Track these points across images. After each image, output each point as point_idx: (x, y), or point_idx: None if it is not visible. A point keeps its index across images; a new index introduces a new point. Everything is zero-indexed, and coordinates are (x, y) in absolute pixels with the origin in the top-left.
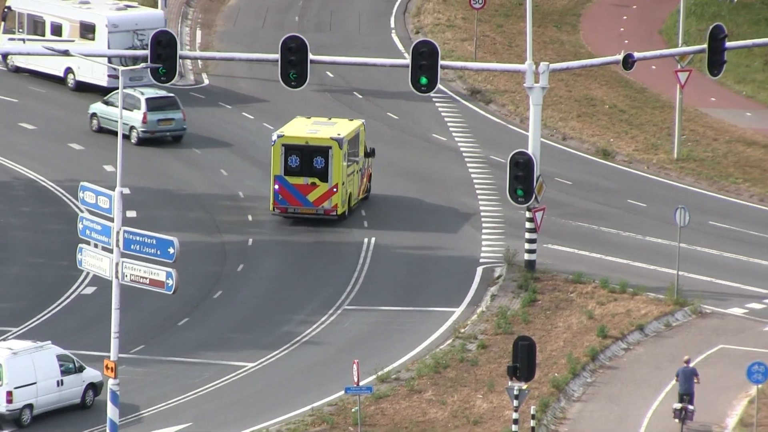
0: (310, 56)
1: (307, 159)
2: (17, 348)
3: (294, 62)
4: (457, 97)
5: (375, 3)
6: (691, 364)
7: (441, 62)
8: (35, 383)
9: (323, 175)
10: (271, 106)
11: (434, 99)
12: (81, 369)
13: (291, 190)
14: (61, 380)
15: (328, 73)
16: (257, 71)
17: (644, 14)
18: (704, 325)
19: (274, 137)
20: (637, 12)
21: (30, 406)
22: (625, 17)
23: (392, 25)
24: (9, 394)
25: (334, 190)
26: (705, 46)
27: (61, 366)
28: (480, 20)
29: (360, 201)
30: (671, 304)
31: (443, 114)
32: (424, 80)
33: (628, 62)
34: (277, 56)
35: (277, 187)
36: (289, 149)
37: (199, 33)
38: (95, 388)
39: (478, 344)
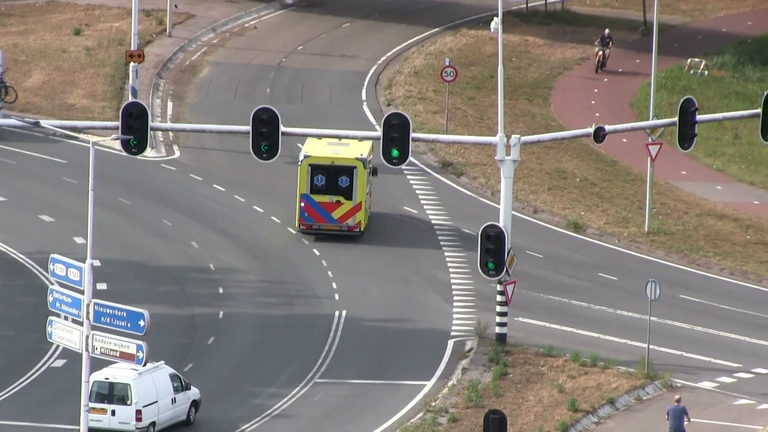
0: (282, 128)
1: (333, 178)
2: (140, 369)
3: (265, 134)
4: (429, 170)
5: (346, 75)
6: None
7: (412, 135)
8: (156, 402)
9: (348, 194)
10: (243, 177)
11: (406, 171)
12: (188, 387)
13: (316, 207)
14: (174, 398)
15: (299, 144)
16: (228, 143)
17: (615, 87)
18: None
19: (301, 157)
20: (609, 85)
21: (153, 424)
22: (596, 90)
23: (364, 97)
24: (138, 412)
25: (358, 208)
26: (676, 119)
27: (173, 384)
28: (451, 93)
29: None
30: (642, 377)
31: (415, 186)
32: (395, 152)
33: (599, 135)
34: (249, 128)
35: (303, 204)
36: (316, 169)
37: (170, 104)
38: (196, 404)
39: (449, 418)
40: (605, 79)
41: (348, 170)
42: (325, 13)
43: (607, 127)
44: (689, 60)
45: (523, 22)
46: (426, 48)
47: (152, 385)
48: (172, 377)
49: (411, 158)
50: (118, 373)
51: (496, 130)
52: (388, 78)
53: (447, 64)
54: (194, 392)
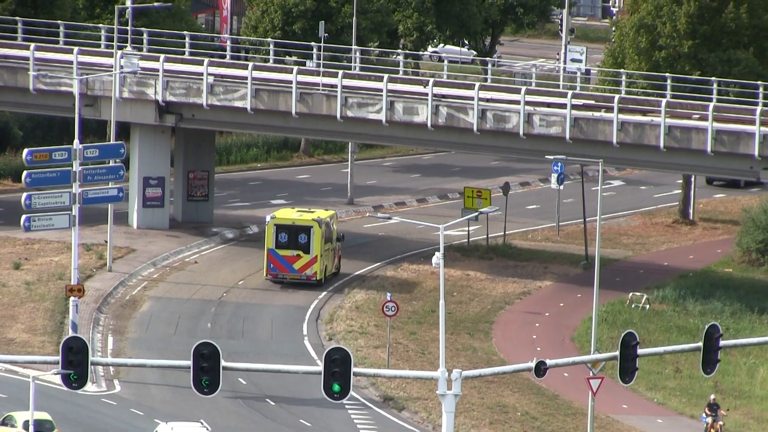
0: (223, 363)
1: (294, 235)
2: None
3: (206, 369)
4: (370, 404)
5: (287, 310)
6: None
7: (354, 369)
8: None
9: (306, 248)
10: (184, 412)
11: (347, 406)
12: None
13: (280, 260)
14: None
15: (240, 379)
16: (169, 377)
17: (557, 321)
18: None
19: (268, 219)
20: (550, 319)
21: None
22: (537, 324)
23: (305, 331)
24: None
25: (315, 260)
26: (617, 353)
27: None
28: (393, 327)
29: (333, 274)
30: None
31: (356, 421)
32: (336, 387)
33: (540, 369)
34: (190, 363)
35: (269, 258)
36: (280, 228)
37: (110, 339)
38: None
39: None
40: (546, 313)
41: (306, 229)
42: None
43: (549, 362)
44: (631, 294)
45: (464, 257)
46: (367, 282)
47: None
48: None
49: (352, 393)
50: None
51: (438, 365)
52: (329, 312)
53: (388, 298)
54: None
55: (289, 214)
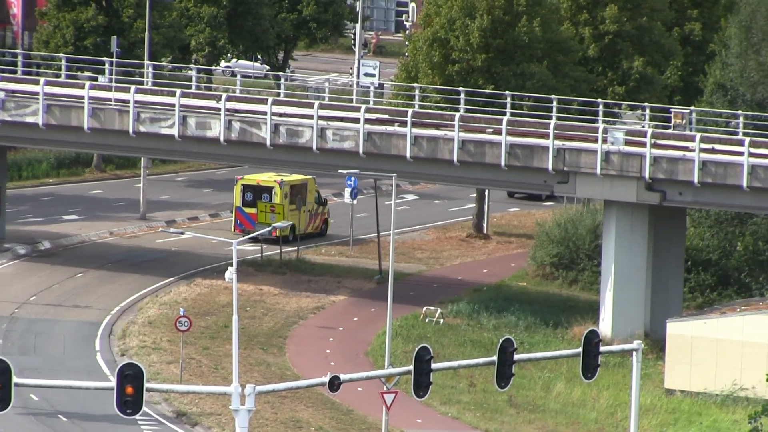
0: (15, 379)
1: (258, 195)
2: None
3: None
4: (163, 420)
5: (80, 326)
6: None
7: (146, 385)
8: None
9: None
10: None
11: (140, 422)
12: None
13: (246, 216)
14: None
15: (32, 396)
16: None
17: (351, 336)
18: None
19: (236, 180)
20: (344, 333)
21: None
22: (331, 339)
23: (97, 347)
24: None
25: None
26: (411, 367)
27: None
28: (186, 342)
29: (317, 234)
30: None
31: None
32: (129, 404)
33: (334, 384)
34: None
35: (237, 215)
36: (245, 188)
37: None
38: None
39: None
40: (340, 328)
41: (268, 189)
42: (58, 263)
43: (343, 376)
44: (425, 308)
45: (258, 272)
46: (160, 298)
47: None
48: None
49: (145, 408)
50: None
51: (231, 380)
52: (122, 328)
53: (181, 314)
54: None
55: (261, 175)
